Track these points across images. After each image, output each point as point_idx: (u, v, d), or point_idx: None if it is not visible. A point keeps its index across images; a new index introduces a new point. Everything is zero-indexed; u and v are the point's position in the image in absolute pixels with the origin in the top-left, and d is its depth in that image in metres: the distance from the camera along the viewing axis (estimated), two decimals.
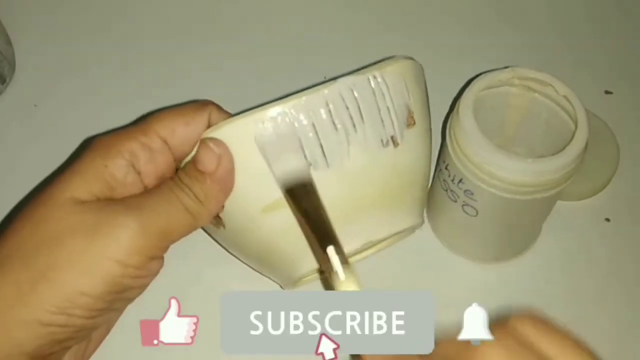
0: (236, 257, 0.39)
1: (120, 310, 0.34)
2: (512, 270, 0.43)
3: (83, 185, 0.31)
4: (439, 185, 0.40)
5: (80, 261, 0.29)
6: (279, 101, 0.31)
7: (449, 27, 0.55)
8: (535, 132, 0.39)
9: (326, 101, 0.31)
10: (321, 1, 0.56)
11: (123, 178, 0.31)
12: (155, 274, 0.33)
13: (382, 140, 0.32)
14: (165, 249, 0.32)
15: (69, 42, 0.53)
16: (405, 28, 0.55)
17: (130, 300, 0.33)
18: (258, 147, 0.31)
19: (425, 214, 0.44)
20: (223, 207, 0.33)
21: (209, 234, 0.39)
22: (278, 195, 0.31)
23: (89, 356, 0.35)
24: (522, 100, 0.38)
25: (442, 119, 0.45)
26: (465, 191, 0.37)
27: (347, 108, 0.31)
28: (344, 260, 0.29)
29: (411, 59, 0.34)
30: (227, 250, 0.39)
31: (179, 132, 0.32)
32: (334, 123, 0.31)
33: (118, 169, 0.31)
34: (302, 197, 0.31)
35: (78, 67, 0.52)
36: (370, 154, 0.32)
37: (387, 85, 0.32)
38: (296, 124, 0.31)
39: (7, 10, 0.53)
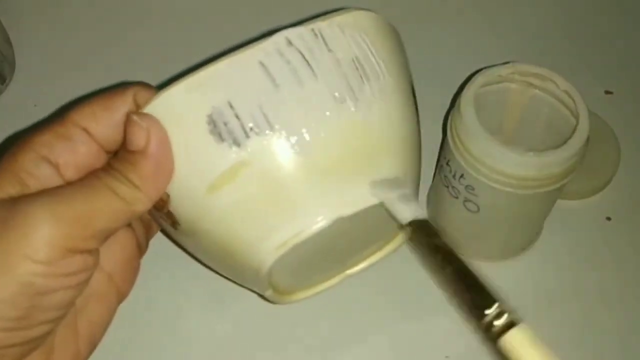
0: (210, 269, 0.35)
1: (52, 322, 0.28)
2: (513, 268, 0.43)
3: None
4: (439, 182, 0.40)
5: None
6: (210, 64, 0.27)
7: (450, 23, 0.55)
8: (536, 128, 0.39)
9: (262, 55, 0.27)
10: None
11: (36, 171, 0.28)
12: (84, 271, 0.28)
13: (335, 96, 0.28)
14: (92, 240, 0.27)
15: (69, 41, 0.53)
16: (405, 24, 0.55)
17: (60, 307, 0.28)
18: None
19: (426, 211, 0.44)
20: (169, 196, 0.29)
21: (177, 244, 0.37)
22: (221, 169, 0.28)
23: None
24: (523, 96, 0.38)
25: (443, 115, 0.45)
26: (466, 187, 0.37)
27: (288, 62, 0.27)
28: (513, 319, 0.25)
29: (369, 10, 0.30)
30: (197, 259, 0.36)
31: (100, 118, 0.29)
32: (273, 80, 0.27)
33: (29, 162, 0.28)
34: (434, 238, 0.28)
35: (78, 67, 0.52)
36: (321, 111, 0.28)
37: (336, 37, 0.28)
38: (231, 84, 0.27)
39: (7, 10, 0.53)
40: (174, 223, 0.31)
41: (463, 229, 0.41)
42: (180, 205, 0.29)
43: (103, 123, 0.29)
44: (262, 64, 0.27)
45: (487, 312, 0.25)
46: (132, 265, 0.33)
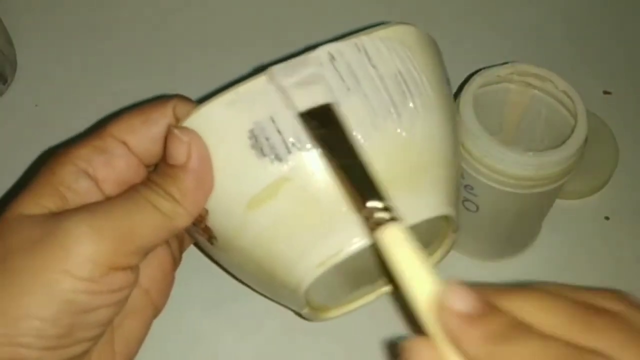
0: (244, 283, 0.35)
1: (91, 340, 0.28)
2: (511, 268, 0.43)
3: (32, 198, 0.27)
4: None
5: (23, 278, 0.25)
6: (249, 79, 0.27)
7: (449, 23, 0.55)
8: (535, 129, 0.40)
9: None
10: None
11: (75, 185, 0.28)
12: (126, 288, 0.27)
13: (378, 112, 0.27)
14: (134, 256, 0.27)
15: (70, 42, 0.53)
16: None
17: (100, 325, 0.27)
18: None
19: None
20: (208, 211, 0.29)
21: (213, 260, 0.36)
22: (262, 184, 0.27)
23: None
24: (522, 96, 0.39)
25: None
26: (465, 186, 0.37)
27: (331, 77, 0.27)
28: (393, 216, 0.24)
29: (411, 24, 0.30)
30: (233, 275, 0.36)
31: (139, 131, 0.29)
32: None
33: (68, 176, 0.28)
34: (325, 128, 0.26)
35: (79, 67, 0.52)
36: (364, 127, 0.27)
37: (379, 51, 0.28)
38: (273, 99, 0.27)
39: (8, 10, 0.53)
40: (211, 238, 0.30)
41: (462, 229, 0.41)
42: (218, 221, 0.29)
43: (142, 136, 0.29)
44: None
45: (369, 204, 0.25)
46: (168, 280, 0.32)
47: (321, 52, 0.27)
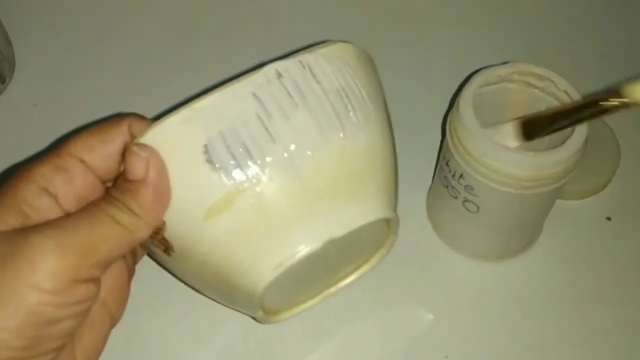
0: (199, 292, 0.36)
1: (54, 351, 0.29)
2: (513, 268, 0.43)
3: None
4: (439, 183, 0.40)
5: None
6: (204, 95, 0.28)
7: (448, 23, 0.55)
8: None
9: (254, 87, 0.29)
10: None
11: (36, 202, 0.29)
12: (88, 300, 0.28)
13: (323, 125, 0.29)
14: (96, 269, 0.28)
15: (69, 41, 0.53)
16: (404, 24, 0.55)
17: (63, 336, 0.28)
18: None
19: (425, 213, 0.44)
20: (165, 223, 0.30)
21: (171, 272, 0.36)
22: (217, 196, 0.29)
23: None
24: (522, 96, 0.39)
25: (442, 115, 0.45)
26: (465, 187, 0.37)
27: (279, 93, 0.29)
28: None
29: (350, 42, 0.32)
30: (190, 286, 0.36)
31: (96, 149, 0.30)
32: (265, 110, 0.29)
33: (30, 194, 0.29)
34: None
35: (78, 67, 0.52)
36: (311, 140, 0.29)
37: (322, 68, 0.30)
38: (226, 115, 0.28)
39: (7, 10, 0.53)
40: (168, 249, 0.31)
41: (463, 230, 0.41)
42: (176, 232, 0.30)
43: (99, 154, 0.30)
44: (254, 95, 0.29)
45: None
46: (124, 291, 0.33)
47: (269, 69, 0.29)
